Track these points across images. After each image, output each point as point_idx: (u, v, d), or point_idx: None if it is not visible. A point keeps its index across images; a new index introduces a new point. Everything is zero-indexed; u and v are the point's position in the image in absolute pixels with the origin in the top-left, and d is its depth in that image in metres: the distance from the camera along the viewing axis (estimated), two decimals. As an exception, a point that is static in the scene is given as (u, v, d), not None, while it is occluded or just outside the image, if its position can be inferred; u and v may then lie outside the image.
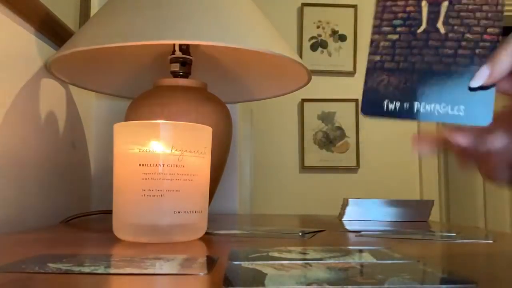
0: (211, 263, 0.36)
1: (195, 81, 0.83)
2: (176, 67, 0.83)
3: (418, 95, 0.39)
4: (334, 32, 2.16)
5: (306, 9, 2.17)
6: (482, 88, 0.38)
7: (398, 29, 0.41)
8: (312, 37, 2.16)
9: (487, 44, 0.39)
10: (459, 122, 0.38)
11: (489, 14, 0.39)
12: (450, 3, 0.40)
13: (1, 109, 0.70)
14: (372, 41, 0.41)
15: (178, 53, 0.84)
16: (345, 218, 0.88)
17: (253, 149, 1.89)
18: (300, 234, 0.59)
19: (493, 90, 0.38)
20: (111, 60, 0.92)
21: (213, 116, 0.79)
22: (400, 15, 0.41)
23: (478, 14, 0.40)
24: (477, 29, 0.39)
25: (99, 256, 0.39)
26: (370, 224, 0.79)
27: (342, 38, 2.15)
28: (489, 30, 0.39)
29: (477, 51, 0.39)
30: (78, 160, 1.02)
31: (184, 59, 0.84)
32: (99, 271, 0.32)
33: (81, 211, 0.89)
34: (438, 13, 0.41)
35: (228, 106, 0.86)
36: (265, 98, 1.01)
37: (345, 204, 0.89)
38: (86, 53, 0.79)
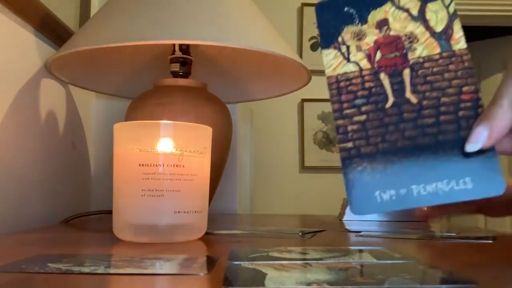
0: (211, 263, 0.36)
1: (195, 81, 0.83)
2: (176, 67, 0.83)
3: (414, 177, 0.34)
4: (334, 32, 2.16)
5: (306, 9, 2.17)
6: (480, 152, 0.34)
7: (363, 108, 0.37)
8: (312, 37, 2.16)
9: (468, 104, 0.35)
10: (471, 198, 0.34)
11: (459, 73, 0.36)
12: (412, 70, 0.37)
13: (1, 109, 0.70)
14: (337, 128, 0.37)
15: (178, 53, 0.84)
16: (345, 218, 0.88)
17: (253, 149, 1.89)
18: (300, 234, 0.58)
19: (493, 152, 0.34)
20: (111, 60, 0.92)
21: (213, 116, 0.79)
22: (360, 93, 0.37)
23: (446, 75, 0.36)
24: (452, 90, 0.36)
25: (99, 256, 0.39)
26: (370, 224, 0.79)
27: (342, 38, 2.15)
28: (465, 89, 0.36)
29: (460, 113, 0.35)
30: (78, 160, 1.02)
31: (184, 59, 0.84)
32: (99, 271, 0.32)
33: (81, 211, 0.89)
34: (402, 82, 0.37)
35: (228, 106, 0.86)
36: (265, 98, 1.01)
37: (345, 204, 0.89)
38: (86, 53, 0.79)
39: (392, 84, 0.37)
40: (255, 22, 0.74)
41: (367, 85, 0.37)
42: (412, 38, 0.37)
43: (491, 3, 2.37)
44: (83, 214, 0.84)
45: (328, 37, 0.38)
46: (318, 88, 2.13)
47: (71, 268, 0.32)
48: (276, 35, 0.76)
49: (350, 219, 0.88)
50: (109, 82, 0.96)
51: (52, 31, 0.85)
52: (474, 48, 3.18)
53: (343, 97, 0.37)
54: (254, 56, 0.88)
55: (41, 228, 0.69)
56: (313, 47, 2.15)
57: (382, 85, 0.37)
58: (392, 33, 0.38)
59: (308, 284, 0.27)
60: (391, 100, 0.37)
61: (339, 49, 0.38)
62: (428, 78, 0.36)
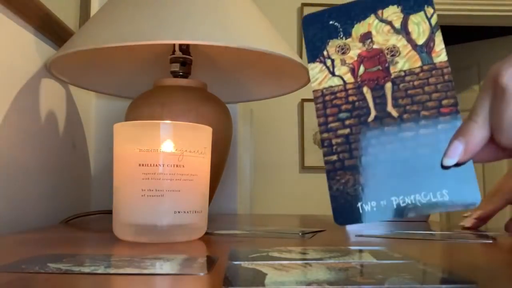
0: (211, 263, 0.36)
1: (195, 81, 0.83)
2: (176, 67, 0.83)
3: (393, 189, 0.35)
4: (334, 32, 2.16)
5: (306, 9, 2.17)
6: (457, 164, 0.35)
7: (347, 122, 0.37)
8: (312, 37, 2.16)
9: (447, 117, 0.36)
10: (447, 209, 0.35)
11: (439, 86, 0.36)
12: (393, 83, 0.37)
13: (1, 109, 0.70)
14: (323, 141, 0.38)
15: (178, 53, 0.84)
16: (345, 218, 0.88)
17: (253, 149, 1.89)
18: (300, 234, 0.59)
19: (470, 165, 0.35)
20: (111, 60, 0.92)
21: (213, 116, 0.79)
22: (344, 107, 0.38)
23: (427, 89, 0.37)
24: (431, 104, 0.36)
25: (99, 256, 0.39)
26: (370, 224, 0.79)
27: (342, 38, 2.15)
28: (444, 102, 0.36)
29: (439, 127, 0.36)
30: (78, 160, 1.02)
31: (184, 59, 0.84)
32: (99, 271, 0.32)
33: (81, 211, 0.89)
34: (384, 96, 0.37)
35: (228, 106, 0.86)
36: (265, 98, 1.01)
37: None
38: (86, 53, 0.79)
39: (374, 98, 0.38)
40: (255, 22, 0.74)
41: (350, 99, 0.38)
42: (394, 51, 0.38)
43: (491, 3, 2.37)
44: (83, 214, 0.84)
45: (314, 51, 0.39)
46: (318, 88, 2.13)
47: (71, 268, 0.32)
48: (276, 35, 0.76)
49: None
50: (109, 82, 0.96)
51: (52, 31, 0.85)
52: (474, 48, 3.18)
53: (328, 111, 0.38)
54: (254, 56, 0.88)
55: (41, 228, 0.69)
56: (313, 47, 2.15)
57: (365, 99, 0.38)
58: (375, 46, 0.38)
59: (308, 284, 0.27)
60: (373, 114, 0.37)
61: (324, 63, 0.39)
62: (409, 91, 0.37)
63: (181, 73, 0.84)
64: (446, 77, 0.37)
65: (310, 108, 2.14)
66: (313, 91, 0.39)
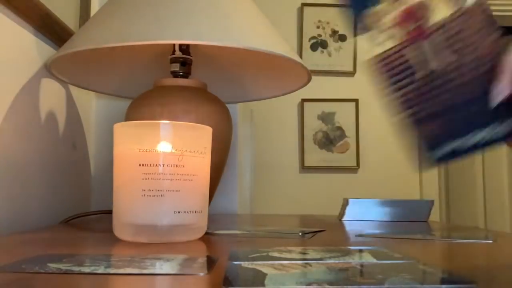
0: (211, 263, 0.36)
1: (195, 81, 0.83)
2: (176, 67, 0.84)
3: (469, 126, 0.39)
4: (334, 32, 2.16)
5: (306, 9, 2.17)
6: (507, 103, 0.37)
7: (404, 82, 0.40)
8: (312, 37, 2.16)
9: (489, 57, 0.37)
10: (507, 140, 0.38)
11: (480, 27, 0.37)
12: (434, 36, 0.39)
13: (1, 109, 0.70)
14: (393, 103, 0.41)
15: (178, 53, 0.84)
16: (345, 218, 0.88)
17: (253, 149, 1.89)
18: (300, 234, 0.59)
19: None
20: (111, 60, 0.92)
21: (213, 116, 0.79)
22: (397, 69, 0.41)
23: (467, 33, 0.38)
24: (472, 48, 0.38)
25: (99, 256, 0.39)
26: (370, 224, 0.79)
27: (342, 38, 2.15)
28: (486, 43, 0.37)
29: (485, 68, 0.38)
30: (78, 160, 1.02)
31: (184, 59, 0.84)
32: (99, 271, 0.32)
33: (81, 211, 0.89)
34: (427, 52, 0.39)
35: (228, 106, 0.86)
36: (265, 98, 1.01)
37: (345, 204, 0.89)
38: (86, 53, 0.79)
39: (418, 55, 0.39)
40: (255, 22, 0.74)
41: (399, 61, 0.40)
42: (427, 4, 0.39)
43: (491, 3, 2.37)
44: (83, 214, 0.84)
45: (357, 24, 0.41)
46: (318, 88, 2.13)
47: (71, 268, 0.32)
48: (276, 35, 0.76)
49: (350, 219, 0.88)
50: (109, 82, 0.96)
51: (52, 31, 0.85)
52: (474, 48, 3.17)
53: (385, 76, 0.41)
54: (254, 56, 0.88)
55: (41, 228, 0.69)
56: (313, 47, 2.15)
57: (411, 58, 0.40)
58: (408, 4, 0.39)
59: (308, 284, 0.27)
60: (422, 71, 0.39)
61: (369, 33, 0.41)
62: (450, 41, 0.38)
63: (181, 73, 0.84)
64: (485, 15, 0.38)
65: (310, 108, 2.14)
66: (368, 60, 0.41)
